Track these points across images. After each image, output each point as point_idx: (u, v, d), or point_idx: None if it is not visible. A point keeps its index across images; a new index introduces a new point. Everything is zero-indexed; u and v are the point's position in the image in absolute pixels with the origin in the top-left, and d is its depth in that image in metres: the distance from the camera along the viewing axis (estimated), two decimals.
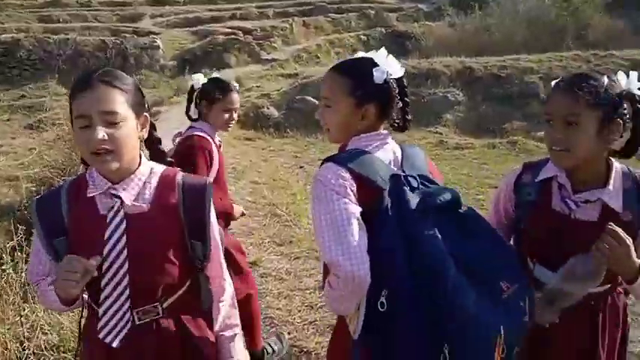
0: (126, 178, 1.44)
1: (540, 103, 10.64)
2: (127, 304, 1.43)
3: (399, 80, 1.60)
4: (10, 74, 14.81)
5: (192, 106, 2.74)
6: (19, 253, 3.18)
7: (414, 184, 1.50)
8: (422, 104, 10.81)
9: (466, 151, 9.03)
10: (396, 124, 1.68)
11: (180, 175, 1.51)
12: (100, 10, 20.65)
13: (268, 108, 11.09)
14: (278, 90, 12.06)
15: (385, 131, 1.61)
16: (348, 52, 18.82)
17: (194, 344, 1.50)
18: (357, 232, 1.38)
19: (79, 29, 17.58)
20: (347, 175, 1.45)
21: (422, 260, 1.35)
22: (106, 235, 1.40)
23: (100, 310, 1.42)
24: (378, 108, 1.57)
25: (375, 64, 1.56)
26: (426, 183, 1.52)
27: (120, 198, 1.42)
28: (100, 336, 1.42)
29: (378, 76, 1.54)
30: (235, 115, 2.72)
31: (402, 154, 1.60)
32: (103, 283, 1.41)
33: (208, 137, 2.63)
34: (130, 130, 1.40)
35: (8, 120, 12.77)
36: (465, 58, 11.75)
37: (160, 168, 1.53)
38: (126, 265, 1.41)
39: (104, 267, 1.40)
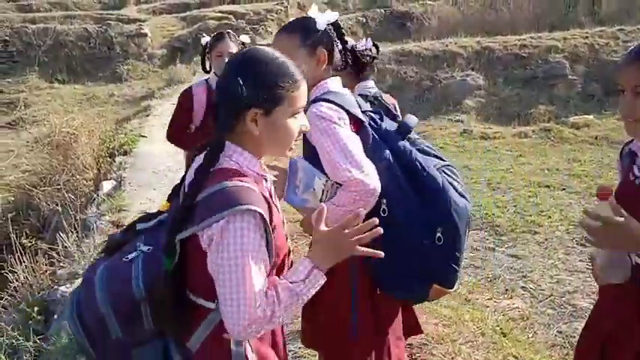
0: None
1: (568, 85, 9.78)
2: None
3: (334, 24, 1.80)
4: None
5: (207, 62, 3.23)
6: None
7: (378, 116, 1.85)
8: (439, 89, 9.92)
9: (496, 141, 8.13)
10: (339, 68, 1.88)
11: None
12: None
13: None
14: None
15: (332, 77, 1.83)
16: (346, 35, 17.91)
17: None
18: (364, 153, 1.67)
19: (60, 18, 16.40)
20: (341, 110, 1.71)
21: (416, 173, 1.73)
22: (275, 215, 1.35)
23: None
24: (326, 52, 1.77)
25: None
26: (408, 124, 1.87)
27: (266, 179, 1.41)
28: None
29: (320, 22, 1.76)
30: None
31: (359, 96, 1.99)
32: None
33: (200, 87, 3.14)
34: None
35: None
36: (482, 37, 10.80)
37: None
38: None
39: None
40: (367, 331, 1.78)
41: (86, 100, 12.18)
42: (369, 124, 1.78)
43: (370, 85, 2.75)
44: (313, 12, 1.79)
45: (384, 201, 1.69)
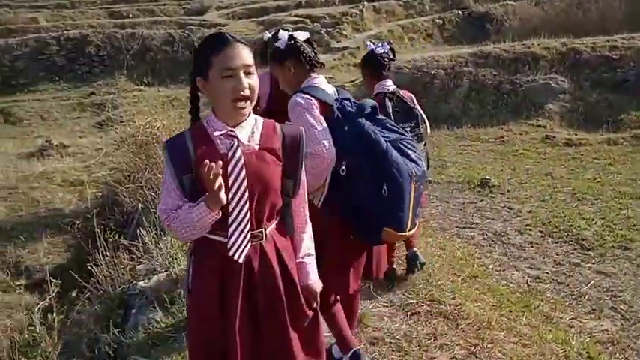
0: (241, 123, 1.70)
1: None
2: (248, 227, 1.68)
3: (304, 41, 2.40)
4: (80, 71, 14.61)
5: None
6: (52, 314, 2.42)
7: (349, 103, 2.35)
8: (519, 93, 9.49)
9: (581, 148, 7.66)
10: (317, 65, 2.42)
11: (278, 125, 1.80)
12: (167, 5, 20.39)
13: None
14: (352, 81, 11.05)
15: (315, 74, 2.40)
16: (422, 37, 17.60)
17: (285, 265, 1.77)
18: (327, 129, 2.22)
19: (146, 23, 17.29)
20: (312, 98, 2.27)
21: (369, 140, 2.19)
22: (229, 170, 1.64)
23: (229, 231, 1.67)
24: (297, 60, 2.38)
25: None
26: (364, 105, 2.33)
27: (237, 138, 1.68)
28: (230, 253, 1.67)
29: (281, 40, 2.41)
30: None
31: (337, 90, 2.41)
32: (230, 208, 1.65)
33: (264, 76, 3.12)
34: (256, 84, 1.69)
35: (77, 118, 12.56)
36: (567, 39, 10.22)
37: (260, 118, 1.78)
38: (246, 194, 1.66)
39: (229, 197, 1.64)
40: (333, 270, 2.22)
41: (169, 102, 12.73)
42: (338, 107, 2.29)
43: (389, 84, 3.18)
44: (282, 34, 2.43)
45: (344, 162, 2.21)
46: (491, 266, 4.11)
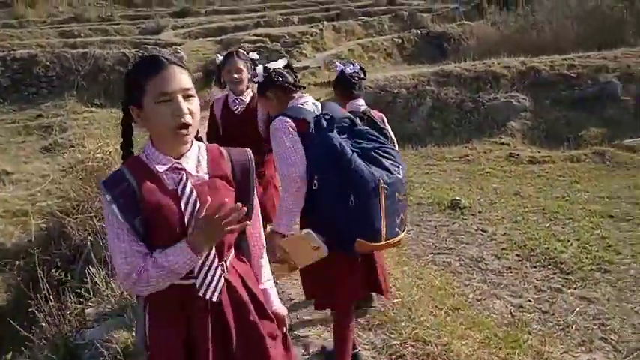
0: (185, 153, 1.54)
1: (620, 106, 9.22)
2: (217, 261, 1.55)
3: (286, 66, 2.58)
4: (27, 92, 13.86)
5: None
6: None
7: (326, 118, 2.32)
8: (482, 111, 9.48)
9: (545, 166, 7.64)
10: (296, 88, 2.55)
11: (224, 149, 1.66)
12: (121, 24, 19.83)
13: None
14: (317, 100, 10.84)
15: (298, 94, 2.53)
16: (382, 57, 17.64)
17: (254, 294, 1.65)
18: (301, 150, 2.32)
19: (99, 43, 16.69)
20: (288, 121, 2.35)
21: (335, 152, 2.21)
22: (183, 206, 1.50)
23: (198, 271, 1.52)
24: (277, 89, 2.51)
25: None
26: (335, 119, 2.36)
27: (184, 170, 1.53)
28: (201, 293, 1.52)
29: (258, 75, 2.56)
30: (237, 76, 3.47)
31: (321, 106, 2.47)
32: None
33: (219, 99, 3.63)
34: (197, 108, 1.54)
35: (23, 142, 11.81)
36: (526, 57, 10.34)
37: (202, 144, 1.64)
38: None
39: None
40: (320, 284, 2.42)
41: None
42: (314, 123, 2.32)
43: (360, 103, 3.15)
44: (258, 70, 2.57)
45: (315, 177, 2.26)
46: (471, 295, 3.89)
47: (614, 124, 8.94)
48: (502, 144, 8.79)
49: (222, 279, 1.55)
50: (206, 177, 1.56)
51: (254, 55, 3.65)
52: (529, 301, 3.83)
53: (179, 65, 1.49)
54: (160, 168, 1.51)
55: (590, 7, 14.56)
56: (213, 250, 1.53)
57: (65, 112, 13.02)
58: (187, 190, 1.50)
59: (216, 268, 1.54)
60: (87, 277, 3.90)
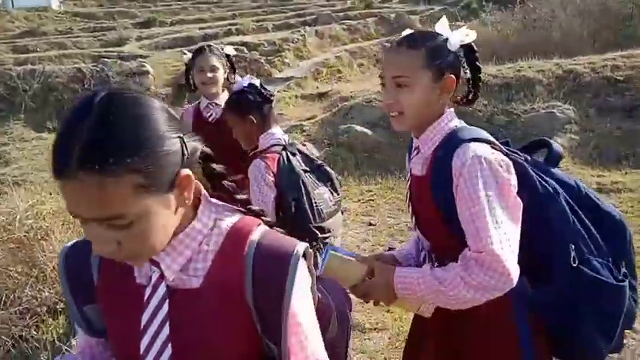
0: (171, 242, 0.99)
1: None
2: None
3: (467, 47, 1.55)
4: None
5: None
6: None
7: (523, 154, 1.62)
8: (518, 125, 7.86)
9: (624, 196, 6.01)
10: (459, 99, 1.60)
11: (258, 233, 1.01)
12: (80, 37, 17.80)
13: (304, 145, 8.05)
14: (310, 119, 9.08)
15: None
16: (371, 64, 16.02)
17: None
18: (519, 222, 1.37)
19: (54, 58, 14.62)
20: (502, 154, 1.43)
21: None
22: (143, 321, 1.00)
23: None
24: (455, 79, 1.52)
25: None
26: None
27: (159, 268, 0.99)
28: None
29: (454, 42, 1.50)
30: (211, 75, 3.01)
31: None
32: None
33: (190, 109, 3.19)
34: (153, 225, 0.92)
35: None
36: (561, 59, 8.79)
37: (231, 219, 1.04)
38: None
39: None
40: None
41: None
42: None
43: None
44: (443, 27, 1.54)
45: (572, 247, 1.45)
46: None
47: None
48: None
49: None
50: (195, 282, 0.99)
51: (230, 50, 3.26)
52: None
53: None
54: None
55: (595, 5, 13.19)
56: None
57: (10, 140, 10.98)
58: (156, 298, 0.99)
59: None
60: None
